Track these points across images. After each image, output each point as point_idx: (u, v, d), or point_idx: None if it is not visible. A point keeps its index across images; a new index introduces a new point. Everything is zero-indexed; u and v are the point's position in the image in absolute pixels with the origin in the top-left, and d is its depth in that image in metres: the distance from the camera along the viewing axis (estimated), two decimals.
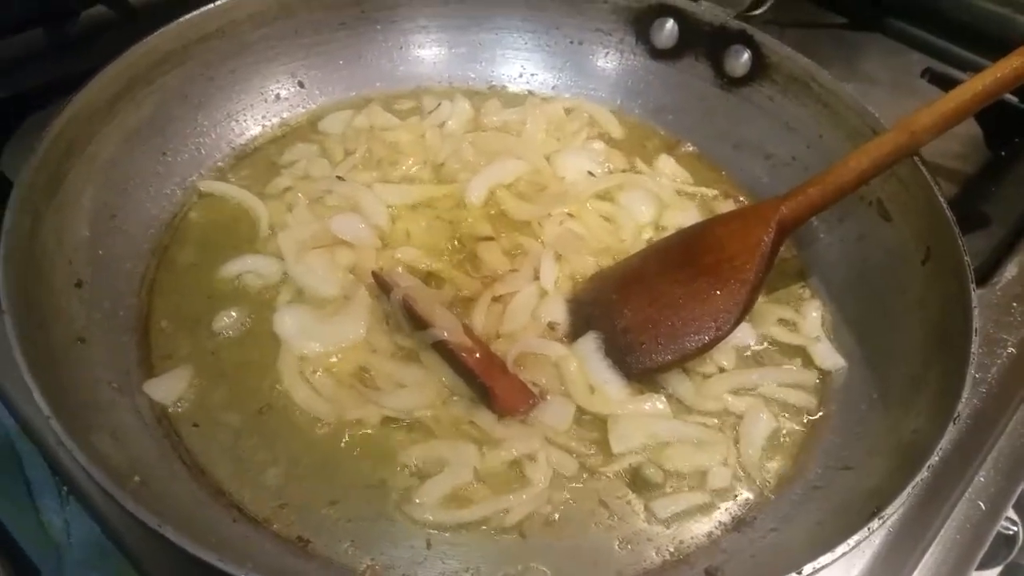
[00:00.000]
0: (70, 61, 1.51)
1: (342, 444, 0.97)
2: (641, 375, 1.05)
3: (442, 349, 1.04)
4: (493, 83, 1.48)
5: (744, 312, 1.05)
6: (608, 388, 1.04)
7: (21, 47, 1.51)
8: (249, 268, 1.13)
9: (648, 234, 1.25)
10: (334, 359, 1.04)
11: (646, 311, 1.07)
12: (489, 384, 1.00)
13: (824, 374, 1.11)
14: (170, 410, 0.99)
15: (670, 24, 1.40)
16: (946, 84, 1.66)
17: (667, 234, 1.25)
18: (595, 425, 1.02)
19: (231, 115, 1.30)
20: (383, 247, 1.17)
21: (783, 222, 1.08)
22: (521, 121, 1.39)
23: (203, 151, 1.26)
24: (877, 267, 1.17)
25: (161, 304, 1.09)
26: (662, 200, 1.29)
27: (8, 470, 1.03)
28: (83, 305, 1.01)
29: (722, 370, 1.09)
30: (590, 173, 1.32)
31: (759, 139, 1.35)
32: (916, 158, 1.11)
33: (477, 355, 1.03)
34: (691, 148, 1.40)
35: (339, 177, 1.25)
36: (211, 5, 1.21)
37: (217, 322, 1.07)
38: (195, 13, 1.20)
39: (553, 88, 1.48)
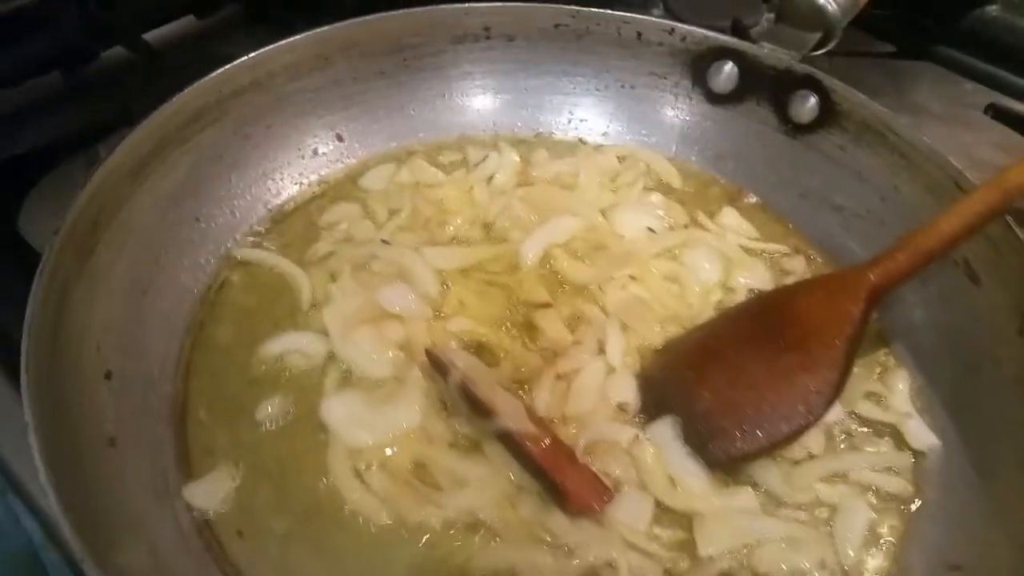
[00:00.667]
0: (88, 108, 1.44)
1: (401, 551, 0.88)
2: (725, 465, 0.96)
3: (506, 438, 0.95)
4: (540, 130, 1.39)
5: (836, 394, 0.96)
6: (690, 480, 0.95)
7: (36, 93, 1.44)
8: (292, 347, 1.04)
9: (716, 296, 1.16)
10: (388, 451, 0.95)
11: (727, 392, 0.98)
12: (559, 480, 0.91)
13: (918, 455, 1.02)
14: (211, 517, 0.90)
15: (729, 67, 1.31)
16: (1013, 120, 1.58)
17: (736, 296, 1.16)
18: (677, 523, 0.93)
19: (267, 174, 1.22)
20: (434, 318, 1.09)
21: (872, 292, 0.99)
22: (573, 173, 1.30)
23: (238, 214, 1.17)
24: (966, 334, 1.07)
25: (198, 390, 1.00)
26: (728, 258, 1.21)
27: None
28: (113, 398, 0.92)
29: (811, 455, 1.00)
30: (650, 229, 1.23)
31: (827, 189, 1.26)
32: (1009, 217, 1.02)
33: (545, 443, 0.94)
34: (754, 199, 1.31)
35: (384, 240, 1.16)
36: (244, 58, 1.13)
37: (260, 411, 0.98)
38: (229, 66, 1.12)
39: (603, 135, 1.39)
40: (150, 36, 1.55)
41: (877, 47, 1.88)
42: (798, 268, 1.22)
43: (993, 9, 1.77)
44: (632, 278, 1.16)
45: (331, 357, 1.03)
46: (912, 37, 1.85)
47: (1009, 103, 1.60)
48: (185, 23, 1.59)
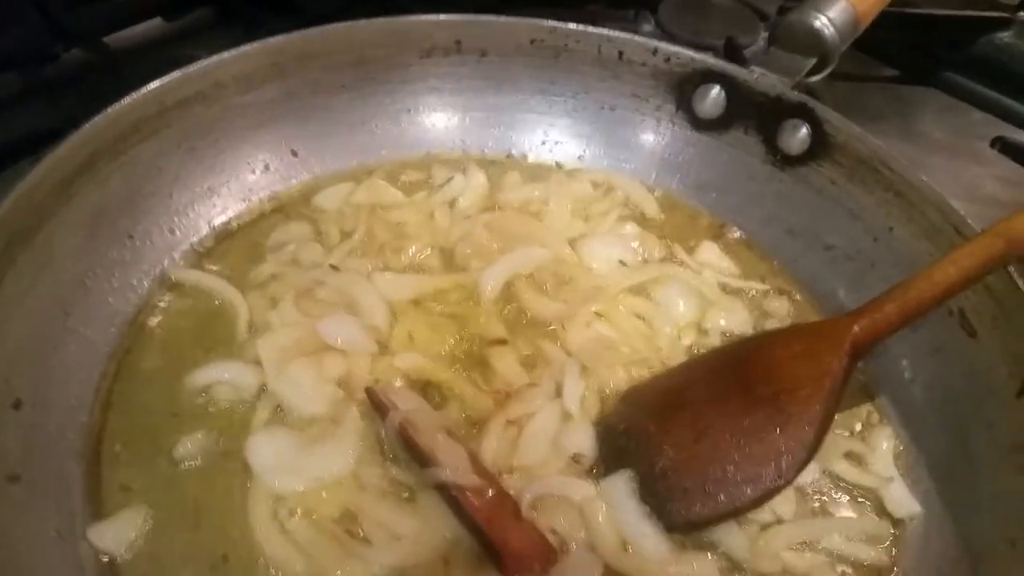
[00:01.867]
0: (48, 111, 1.38)
1: None
2: (684, 528, 0.88)
3: (444, 490, 0.87)
4: (512, 151, 1.32)
5: (810, 456, 0.87)
6: (644, 543, 0.86)
7: None
8: (222, 378, 0.96)
9: (689, 338, 1.08)
10: (315, 499, 0.87)
11: (691, 449, 0.90)
12: (499, 541, 0.83)
13: (897, 523, 0.94)
14: (118, 562, 0.82)
15: (716, 92, 1.23)
16: (1020, 156, 1.49)
17: (710, 339, 1.08)
18: None
19: (213, 189, 1.14)
20: (379, 351, 1.01)
21: (856, 345, 0.90)
22: (543, 199, 1.22)
23: (177, 232, 1.09)
24: (958, 392, 0.99)
25: (117, 422, 0.93)
26: (705, 297, 1.12)
27: None
28: (21, 430, 0.85)
29: (780, 520, 0.91)
30: (621, 262, 1.15)
31: (817, 227, 1.18)
32: (1011, 268, 0.93)
33: (487, 497, 0.86)
34: (738, 234, 1.23)
35: (332, 266, 1.08)
36: (191, 67, 1.05)
37: (179, 448, 0.90)
38: (172, 76, 1.04)
39: (579, 158, 1.32)
40: (118, 38, 1.48)
41: (880, 71, 1.80)
42: (780, 310, 1.14)
43: (1006, 35, 1.68)
44: (598, 315, 1.08)
45: (263, 391, 0.96)
46: (917, 62, 1.77)
47: (1018, 136, 1.51)
48: (152, 26, 1.52)
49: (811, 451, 0.87)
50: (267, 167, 1.19)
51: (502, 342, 1.03)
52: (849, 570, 0.90)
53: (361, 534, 0.86)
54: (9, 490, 0.81)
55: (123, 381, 0.96)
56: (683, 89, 1.25)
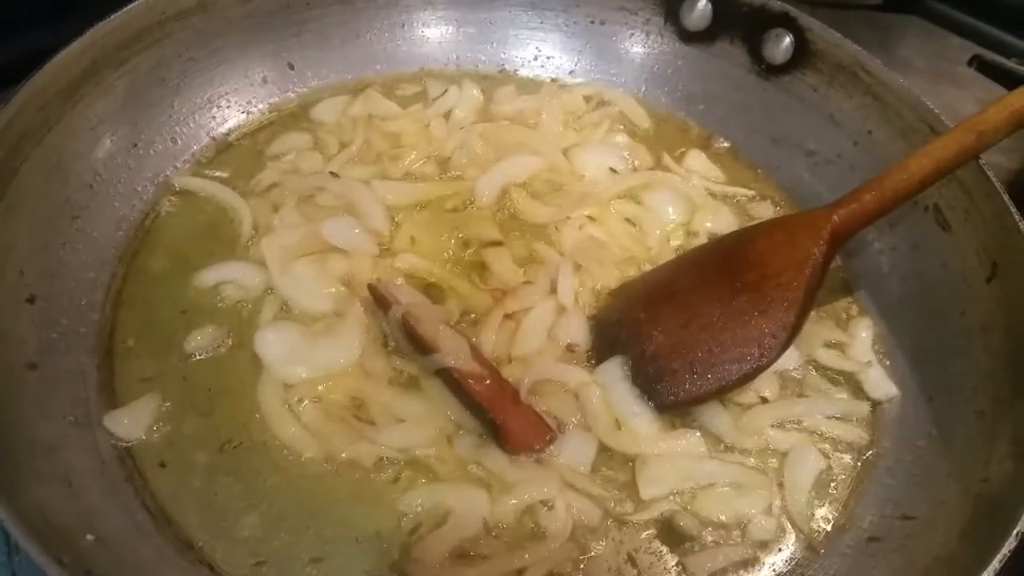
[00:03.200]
0: (49, 30, 1.38)
1: (330, 488, 0.85)
2: (673, 407, 0.93)
3: (447, 376, 0.91)
4: (504, 66, 1.34)
5: (791, 337, 0.92)
6: (636, 422, 0.92)
7: None
8: (228, 277, 1.00)
9: (677, 240, 1.12)
10: (323, 387, 0.91)
11: (679, 334, 0.94)
12: (500, 419, 0.88)
13: (875, 404, 0.99)
14: (134, 447, 0.86)
15: (703, 4, 1.26)
16: (996, 73, 1.52)
17: (698, 241, 1.12)
18: (621, 465, 0.90)
19: (212, 100, 1.16)
20: (381, 254, 1.04)
21: (835, 233, 0.94)
22: (536, 111, 1.25)
23: (179, 142, 1.12)
24: (933, 282, 1.04)
25: (128, 319, 0.96)
26: (692, 201, 1.16)
27: None
28: (35, 324, 0.88)
29: (763, 400, 0.97)
30: (612, 170, 1.18)
31: (800, 134, 1.22)
32: (981, 161, 0.97)
33: (487, 383, 0.90)
34: (724, 143, 1.26)
35: (332, 173, 1.11)
36: None
37: (190, 341, 0.94)
38: None
39: (571, 73, 1.34)
40: None
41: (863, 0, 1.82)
42: (765, 213, 1.18)
43: None
44: (590, 219, 1.11)
45: (269, 290, 0.99)
46: None
47: (994, 56, 1.55)
48: None
49: (793, 332, 0.91)
50: (265, 80, 1.21)
51: (497, 244, 1.07)
52: (829, 448, 0.95)
53: (368, 418, 0.90)
54: (27, 376, 0.84)
55: (132, 281, 1.00)
56: (671, 2, 1.27)
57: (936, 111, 1.05)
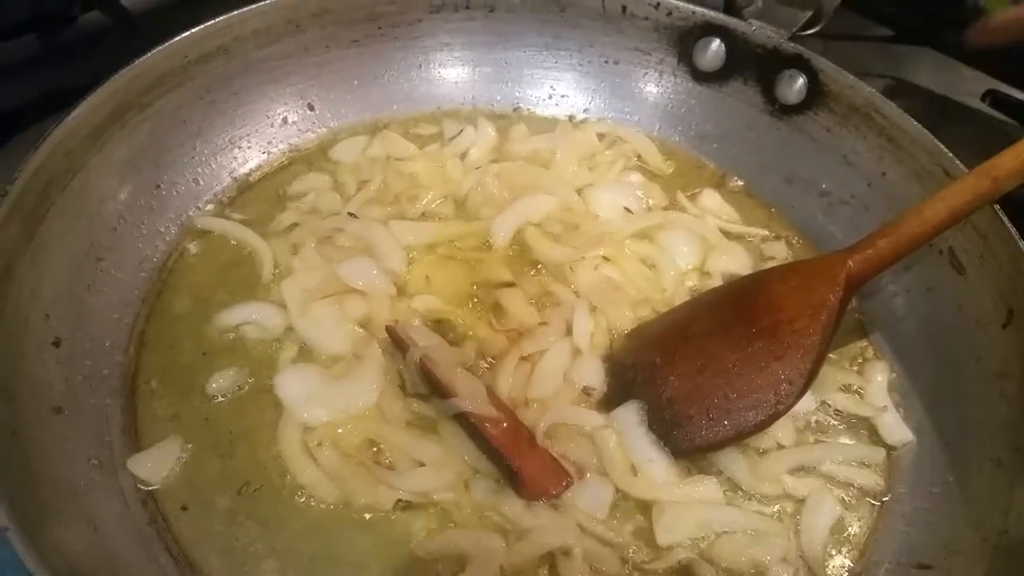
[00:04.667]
0: (65, 72, 1.40)
1: (348, 533, 0.86)
2: (689, 453, 0.93)
3: (464, 420, 0.92)
4: (519, 105, 1.35)
5: (808, 384, 0.92)
6: (652, 468, 0.92)
7: (12, 56, 1.41)
8: (249, 319, 1.01)
9: (691, 281, 1.13)
10: (342, 429, 0.92)
11: (695, 379, 0.95)
12: (516, 464, 0.88)
13: (891, 450, 0.99)
14: (157, 490, 0.87)
15: (716, 44, 1.27)
16: (1010, 109, 1.53)
17: (712, 281, 1.13)
18: (638, 512, 0.90)
19: (233, 141, 1.18)
20: (398, 295, 1.05)
21: (851, 279, 0.95)
22: (551, 150, 1.26)
23: (201, 182, 1.14)
24: (949, 327, 1.04)
25: (151, 361, 0.98)
26: (707, 241, 1.17)
27: None
28: (61, 367, 0.90)
29: (780, 446, 0.97)
30: (627, 210, 1.19)
31: (813, 174, 1.23)
32: (996, 206, 0.98)
33: (504, 426, 0.91)
34: (738, 182, 1.27)
35: (351, 214, 1.13)
36: (212, 22, 1.09)
37: (212, 383, 0.95)
38: (194, 31, 1.08)
39: (585, 111, 1.35)
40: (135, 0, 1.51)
41: (876, 31, 1.83)
42: (779, 253, 1.18)
43: None
44: (605, 259, 1.12)
45: (288, 331, 1.00)
46: (912, 22, 1.80)
47: (1008, 91, 1.55)
48: None
49: (809, 378, 0.92)
50: (285, 120, 1.23)
51: (510, 284, 1.08)
52: (844, 494, 0.95)
53: (386, 462, 0.91)
54: (52, 421, 0.86)
55: (155, 322, 1.01)
56: (684, 42, 1.29)
57: (950, 155, 1.06)
